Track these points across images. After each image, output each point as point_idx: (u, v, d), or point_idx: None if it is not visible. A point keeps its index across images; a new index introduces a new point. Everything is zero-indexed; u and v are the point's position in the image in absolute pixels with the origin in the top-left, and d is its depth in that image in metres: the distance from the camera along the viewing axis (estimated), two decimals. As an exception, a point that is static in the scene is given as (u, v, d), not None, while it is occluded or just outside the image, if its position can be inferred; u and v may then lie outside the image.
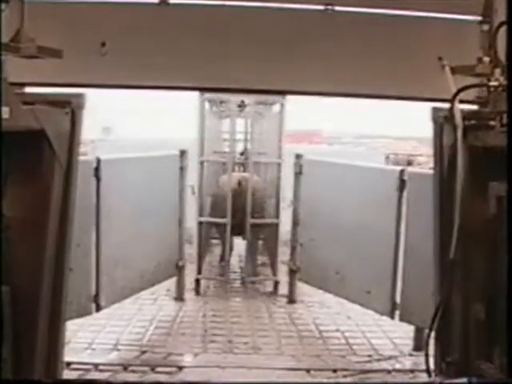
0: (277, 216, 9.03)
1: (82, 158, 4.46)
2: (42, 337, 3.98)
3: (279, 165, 9.00)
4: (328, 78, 5.15)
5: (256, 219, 8.94)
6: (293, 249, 8.62)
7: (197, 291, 8.82)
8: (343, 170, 7.91)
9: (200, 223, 9.10)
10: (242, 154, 11.97)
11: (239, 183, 9.05)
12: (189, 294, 8.67)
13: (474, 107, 4.13)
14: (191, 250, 9.23)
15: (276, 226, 9.02)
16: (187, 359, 6.40)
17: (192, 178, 8.85)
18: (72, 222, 4.12)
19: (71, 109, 4.03)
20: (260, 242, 11.05)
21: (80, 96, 4.09)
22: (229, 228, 8.84)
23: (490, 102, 3.94)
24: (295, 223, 8.56)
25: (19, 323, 3.79)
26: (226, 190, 8.95)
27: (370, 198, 7.14)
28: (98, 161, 6.60)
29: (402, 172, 6.81)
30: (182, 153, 8.43)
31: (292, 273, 8.63)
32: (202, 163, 8.99)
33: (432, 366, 4.33)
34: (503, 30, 3.74)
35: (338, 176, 7.87)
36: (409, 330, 6.79)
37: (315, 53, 5.04)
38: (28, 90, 4.57)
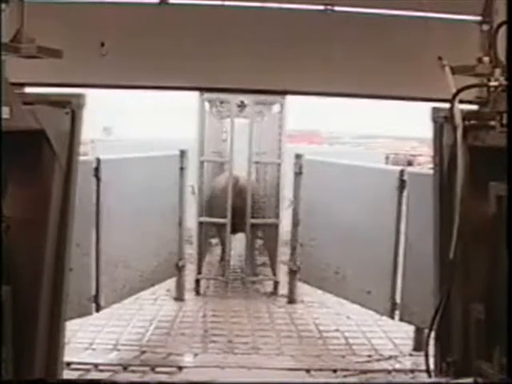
0: (276, 216, 9.03)
1: (82, 157, 4.46)
2: (42, 337, 3.98)
3: (279, 165, 9.00)
4: (328, 78, 5.14)
5: (254, 219, 8.96)
6: (293, 249, 8.62)
7: (197, 291, 8.82)
8: (343, 170, 7.91)
9: (200, 223, 9.10)
10: None
11: (235, 183, 8.96)
12: (189, 294, 8.67)
13: (474, 107, 4.13)
14: (191, 250, 9.22)
15: (276, 226, 9.03)
16: (187, 359, 6.40)
17: (192, 178, 8.85)
18: (72, 222, 4.12)
19: (71, 109, 4.03)
20: (260, 242, 11.07)
21: (80, 96, 4.09)
22: (228, 228, 8.85)
23: (489, 102, 3.94)
24: (295, 223, 8.56)
25: (19, 323, 3.79)
26: (219, 190, 9.06)
27: (370, 198, 7.14)
28: (98, 161, 6.60)
29: (401, 172, 6.81)
30: (182, 153, 8.43)
31: (292, 273, 8.63)
32: (201, 163, 8.98)
33: (432, 366, 4.33)
34: (503, 30, 3.74)
35: (338, 176, 7.86)
36: (409, 330, 6.79)
37: (315, 53, 5.03)
38: (28, 90, 4.57)
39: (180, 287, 8.54)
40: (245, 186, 8.92)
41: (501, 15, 3.84)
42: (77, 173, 4.14)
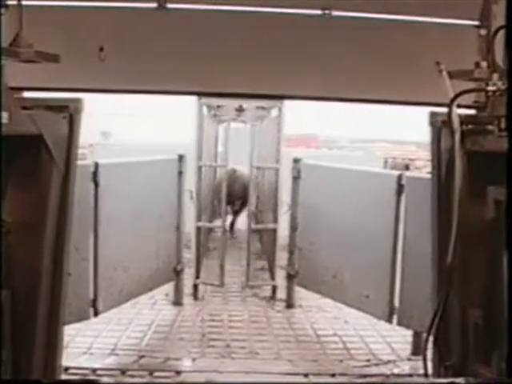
0: (275, 221, 9.03)
1: (80, 162, 4.46)
2: (39, 341, 3.97)
3: (277, 169, 9.00)
4: (326, 82, 5.15)
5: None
6: (291, 253, 8.61)
7: (195, 296, 8.81)
8: (341, 175, 7.91)
9: (198, 228, 9.09)
10: None
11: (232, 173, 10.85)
12: (187, 299, 8.66)
13: (472, 112, 4.13)
14: (189, 255, 9.22)
15: (274, 230, 9.02)
16: (185, 364, 6.39)
17: (190, 182, 8.85)
18: (70, 227, 4.12)
19: (69, 113, 4.03)
20: (258, 246, 11.14)
21: (78, 101, 4.09)
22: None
23: (487, 106, 3.94)
24: (293, 227, 8.56)
25: (17, 328, 3.78)
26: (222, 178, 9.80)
27: (368, 202, 7.14)
28: (96, 165, 6.60)
29: (400, 176, 6.81)
30: (180, 157, 8.43)
31: (290, 277, 8.62)
32: (199, 168, 8.98)
33: (430, 370, 4.32)
34: (501, 34, 3.75)
35: (336, 180, 7.86)
36: (407, 335, 6.78)
37: (313, 57, 5.04)
38: (26, 94, 4.57)
39: (178, 292, 8.53)
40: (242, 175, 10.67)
41: (499, 20, 3.84)
42: (75, 177, 4.13)
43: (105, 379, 5.84)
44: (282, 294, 8.78)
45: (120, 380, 5.83)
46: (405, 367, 6.37)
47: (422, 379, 4.40)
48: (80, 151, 4.36)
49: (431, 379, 4.33)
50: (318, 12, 4.96)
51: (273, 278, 9.17)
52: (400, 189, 6.73)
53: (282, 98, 7.43)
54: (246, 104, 8.99)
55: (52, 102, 4.03)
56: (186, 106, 9.04)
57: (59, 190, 4.03)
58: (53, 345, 4.08)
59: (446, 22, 4.78)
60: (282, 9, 4.95)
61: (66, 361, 4.91)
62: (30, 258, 3.89)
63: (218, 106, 10.23)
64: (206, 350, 6.80)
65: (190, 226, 9.00)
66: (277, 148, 8.99)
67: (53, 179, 3.98)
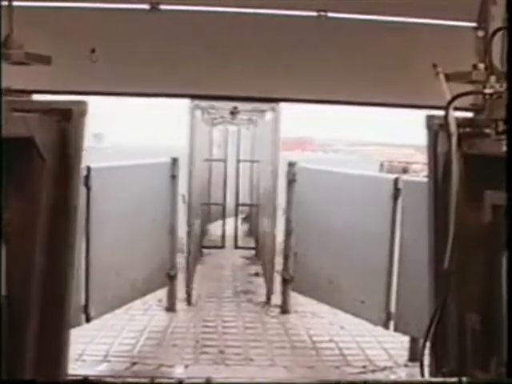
0: (272, 225, 8.97)
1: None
2: (30, 347, 3.93)
3: (274, 174, 8.94)
4: (321, 85, 5.11)
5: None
6: (286, 258, 8.54)
7: (188, 301, 8.74)
8: (337, 178, 7.85)
9: (189, 233, 9.00)
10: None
11: None
12: (180, 305, 8.59)
13: (469, 114, 4.10)
14: (183, 260, 9.15)
15: (272, 236, 8.95)
16: (178, 370, 6.33)
17: (184, 185, 8.80)
18: (64, 230, 4.08)
19: (71, 117, 3.99)
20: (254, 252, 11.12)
21: (81, 103, 4.06)
22: None
23: (485, 109, 3.90)
24: (288, 232, 8.50)
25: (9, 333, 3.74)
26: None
27: (365, 206, 7.09)
28: (89, 169, 6.53)
29: (396, 180, 6.76)
30: (174, 161, 8.36)
31: (285, 282, 8.55)
32: (191, 172, 8.91)
33: (428, 376, 4.28)
34: (498, 35, 3.72)
35: (332, 184, 7.81)
36: (404, 341, 6.73)
37: (309, 60, 5.00)
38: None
39: (171, 297, 8.45)
40: None
41: (496, 21, 3.81)
42: (68, 181, 4.09)
43: None
44: (277, 299, 8.72)
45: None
46: (402, 374, 6.32)
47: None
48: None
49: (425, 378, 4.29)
50: (314, 14, 4.92)
51: (270, 283, 9.08)
52: (396, 193, 6.68)
53: (277, 100, 7.38)
54: (241, 106, 8.93)
55: (55, 104, 4.01)
56: (181, 108, 8.98)
57: (52, 193, 3.99)
58: (45, 351, 4.04)
59: (444, 23, 4.75)
60: (277, 10, 4.91)
61: (57, 368, 4.84)
62: (20, 263, 3.84)
63: (205, 109, 10.15)
64: (199, 356, 6.73)
65: (184, 230, 8.94)
66: (273, 151, 8.93)
67: (44, 183, 3.93)
